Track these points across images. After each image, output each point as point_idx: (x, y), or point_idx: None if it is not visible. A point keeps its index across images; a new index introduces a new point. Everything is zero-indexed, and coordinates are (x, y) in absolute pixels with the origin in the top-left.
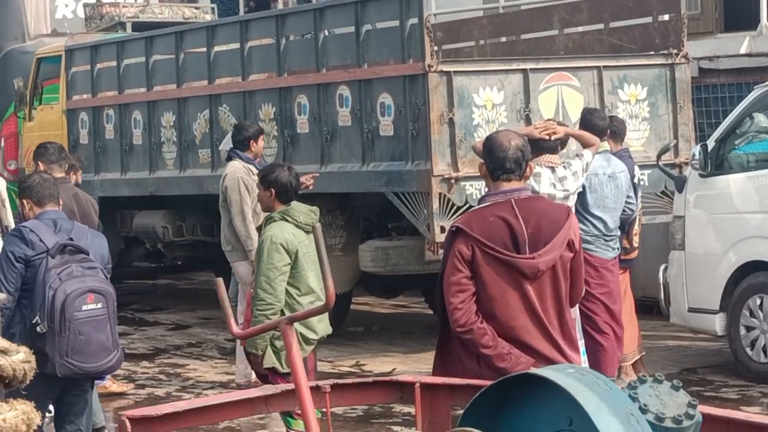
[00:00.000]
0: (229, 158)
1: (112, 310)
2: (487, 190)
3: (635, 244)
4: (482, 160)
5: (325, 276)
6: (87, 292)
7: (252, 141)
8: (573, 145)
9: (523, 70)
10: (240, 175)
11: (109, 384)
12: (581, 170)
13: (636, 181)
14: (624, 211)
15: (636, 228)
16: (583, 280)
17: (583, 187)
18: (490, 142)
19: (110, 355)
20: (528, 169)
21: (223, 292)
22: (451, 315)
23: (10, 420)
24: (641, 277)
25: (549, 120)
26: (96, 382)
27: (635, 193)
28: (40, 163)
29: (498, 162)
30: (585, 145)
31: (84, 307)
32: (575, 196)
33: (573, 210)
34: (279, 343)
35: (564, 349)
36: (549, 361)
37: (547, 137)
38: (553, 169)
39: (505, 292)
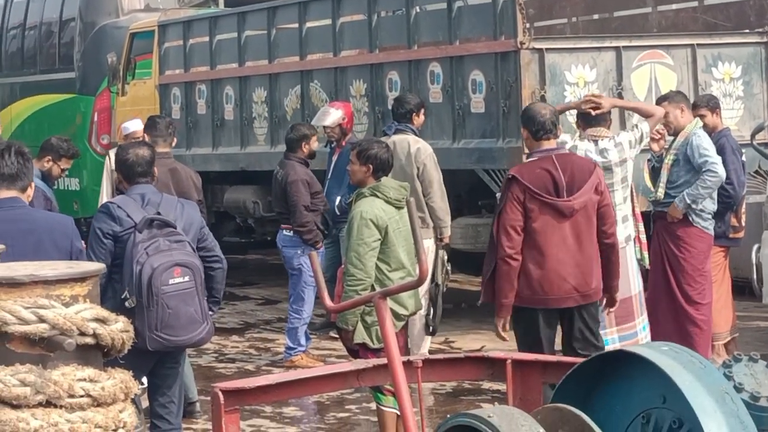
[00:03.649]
0: (397, 131)
1: (199, 282)
2: (528, 150)
3: (743, 223)
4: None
5: (418, 251)
6: (173, 265)
7: (414, 114)
8: (634, 117)
9: (616, 48)
10: (432, 151)
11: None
12: (632, 140)
13: (744, 159)
14: (735, 188)
15: (743, 207)
16: (612, 217)
17: (701, 161)
18: (529, 111)
19: (200, 327)
20: (558, 131)
21: (317, 266)
22: (500, 245)
23: (109, 388)
24: (734, 257)
25: (593, 93)
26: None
27: (743, 171)
28: (146, 135)
29: (540, 125)
30: (644, 116)
31: (171, 281)
32: (627, 165)
33: (630, 175)
34: (370, 319)
35: (582, 278)
36: (571, 287)
37: (590, 110)
38: (596, 141)
39: (546, 228)
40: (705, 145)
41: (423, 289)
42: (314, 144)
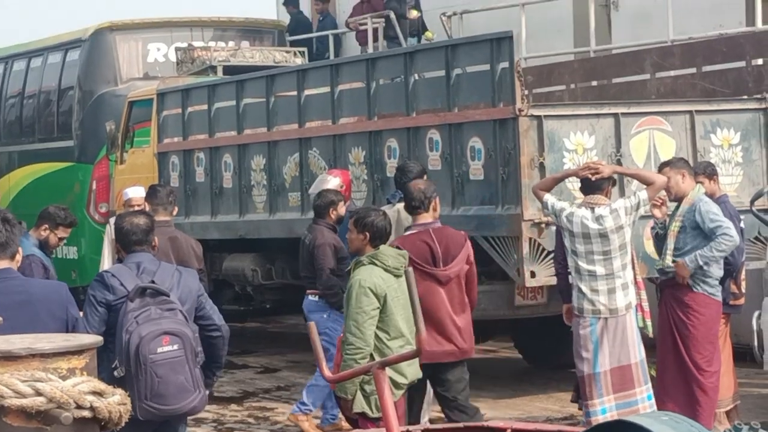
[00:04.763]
0: (401, 200)
1: (189, 351)
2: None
3: (743, 290)
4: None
5: (417, 320)
6: (162, 334)
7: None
8: (633, 184)
9: (615, 115)
10: None
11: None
12: (628, 207)
13: (742, 225)
14: (734, 255)
15: (743, 274)
16: (476, 285)
17: (713, 226)
18: (404, 189)
19: (191, 396)
20: (434, 204)
21: (315, 336)
22: None
23: None
24: (734, 324)
25: (593, 160)
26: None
27: (742, 238)
28: (147, 203)
29: (411, 199)
30: (645, 183)
31: (159, 350)
32: (625, 232)
33: (629, 242)
34: (369, 388)
35: (460, 337)
36: (453, 344)
37: (589, 176)
38: (593, 208)
39: (427, 293)
40: (714, 210)
41: None
42: (341, 210)
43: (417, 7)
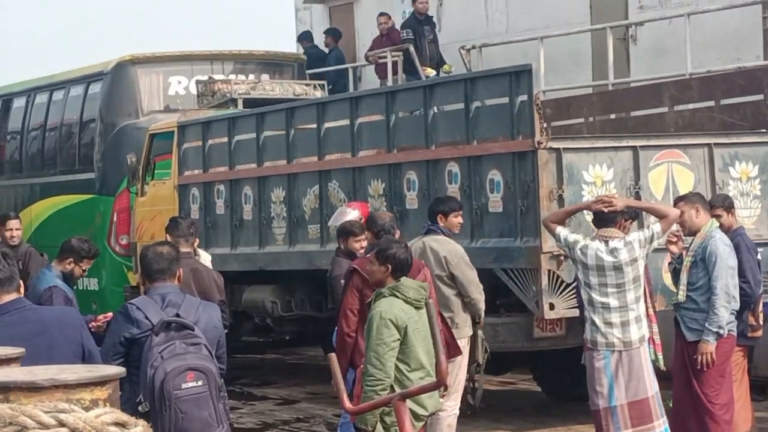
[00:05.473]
0: (428, 232)
1: (214, 386)
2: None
3: (761, 322)
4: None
5: (437, 352)
6: (187, 370)
7: (440, 215)
8: (651, 217)
9: (633, 147)
10: (463, 251)
11: None
12: (642, 240)
13: (759, 257)
14: (751, 287)
15: (761, 306)
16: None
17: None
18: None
19: (215, 431)
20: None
21: (336, 368)
22: (340, 325)
23: None
24: (753, 356)
25: (606, 194)
26: None
27: (759, 270)
28: (168, 235)
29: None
30: (658, 216)
31: (184, 386)
32: (638, 265)
33: (642, 275)
34: (389, 419)
35: None
36: None
37: (602, 209)
38: (607, 241)
39: None
40: (718, 253)
41: (456, 379)
42: (354, 244)
43: (435, 42)
